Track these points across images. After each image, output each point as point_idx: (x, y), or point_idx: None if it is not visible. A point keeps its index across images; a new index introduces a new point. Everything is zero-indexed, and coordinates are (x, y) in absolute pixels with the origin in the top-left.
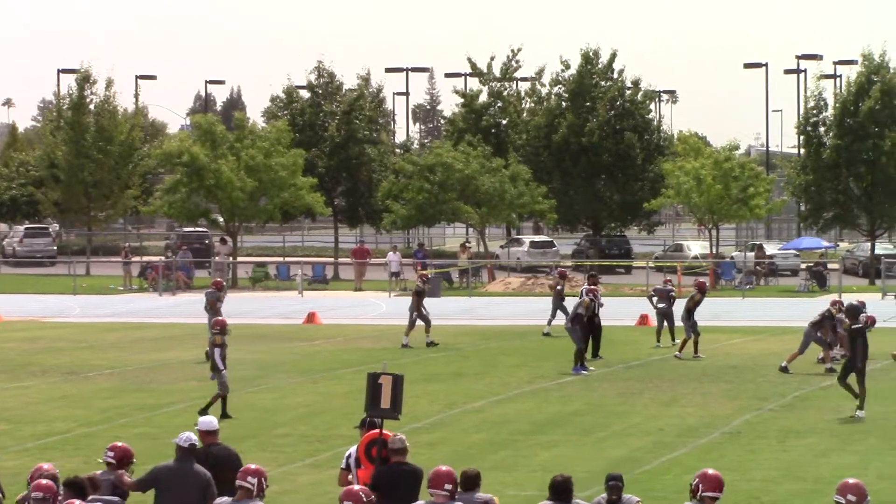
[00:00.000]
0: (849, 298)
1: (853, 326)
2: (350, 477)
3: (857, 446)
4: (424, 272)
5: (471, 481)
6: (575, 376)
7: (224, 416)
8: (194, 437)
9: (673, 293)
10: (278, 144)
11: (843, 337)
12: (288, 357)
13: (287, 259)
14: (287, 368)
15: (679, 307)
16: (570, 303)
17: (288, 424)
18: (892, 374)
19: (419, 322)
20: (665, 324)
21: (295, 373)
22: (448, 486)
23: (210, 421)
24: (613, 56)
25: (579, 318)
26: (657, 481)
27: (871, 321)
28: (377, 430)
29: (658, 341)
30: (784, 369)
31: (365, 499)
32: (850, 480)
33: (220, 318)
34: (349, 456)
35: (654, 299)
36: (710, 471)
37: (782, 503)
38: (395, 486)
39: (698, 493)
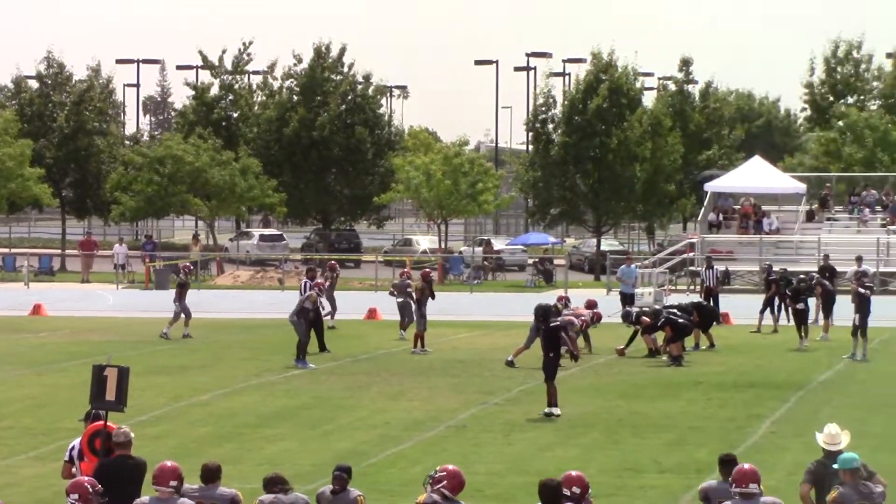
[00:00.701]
0: (576, 293)
1: (549, 325)
2: (73, 470)
3: (580, 440)
4: (188, 264)
5: (211, 474)
6: (302, 370)
7: None
8: None
9: (410, 287)
10: (5, 134)
11: (572, 338)
12: (13, 349)
13: (13, 250)
14: (12, 361)
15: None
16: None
17: (11, 417)
18: (616, 369)
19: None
20: (406, 317)
21: (20, 365)
22: (173, 483)
23: None
24: (343, 50)
25: (305, 311)
26: (382, 474)
27: (598, 317)
28: (101, 423)
29: (402, 333)
30: (510, 363)
31: (91, 490)
32: (573, 473)
33: None
34: (72, 448)
35: (395, 293)
36: (452, 467)
37: (506, 496)
38: (118, 479)
39: (437, 486)
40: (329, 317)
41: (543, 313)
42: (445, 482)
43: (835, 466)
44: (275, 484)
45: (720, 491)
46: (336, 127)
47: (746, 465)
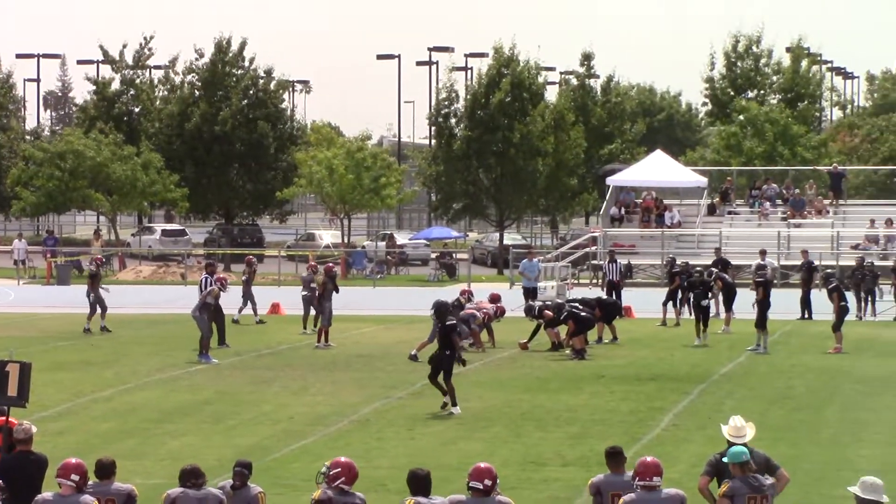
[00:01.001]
0: (480, 287)
1: (444, 323)
2: None
3: (483, 433)
4: (99, 256)
5: (105, 470)
6: (205, 365)
7: None
8: None
9: (313, 282)
10: None
11: (475, 331)
12: None
13: None
14: None
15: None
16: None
17: None
18: (519, 363)
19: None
20: (311, 311)
21: None
22: (75, 477)
23: None
24: (243, 44)
25: (207, 307)
26: (286, 469)
27: (502, 311)
28: (2, 418)
29: (304, 328)
30: (413, 358)
31: None
32: (482, 465)
33: None
34: None
35: (302, 287)
36: (344, 459)
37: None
38: (20, 475)
39: (335, 482)
40: (251, 312)
41: (440, 310)
42: (343, 478)
43: (724, 460)
44: (189, 477)
45: (610, 483)
46: (238, 122)
47: (649, 458)
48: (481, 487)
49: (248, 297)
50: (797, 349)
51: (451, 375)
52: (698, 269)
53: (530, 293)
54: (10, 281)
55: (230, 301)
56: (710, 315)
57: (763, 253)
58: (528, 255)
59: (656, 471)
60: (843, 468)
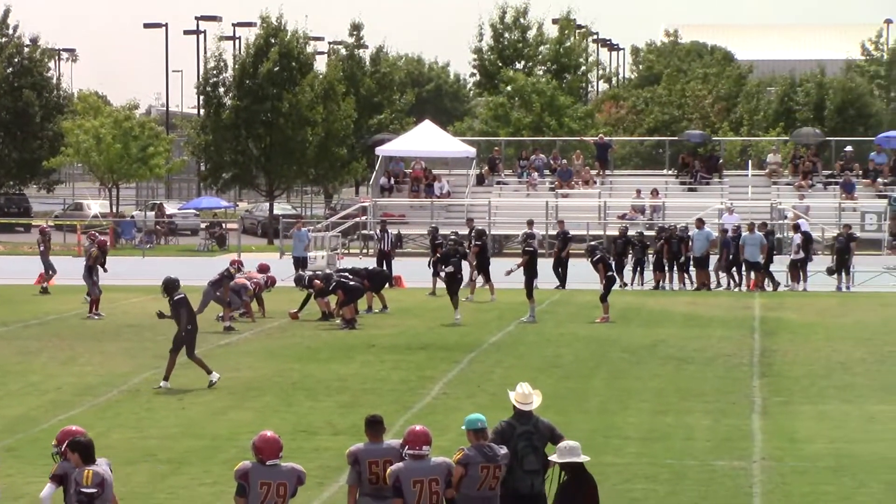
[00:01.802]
0: (250, 257)
1: (173, 299)
2: None
3: (254, 403)
4: None
5: None
6: None
7: None
8: None
9: (92, 251)
10: None
11: (247, 302)
12: None
13: None
14: None
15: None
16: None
17: None
18: (290, 333)
19: None
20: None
21: None
22: None
23: None
24: (7, 12)
25: None
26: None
27: (272, 281)
28: None
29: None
30: None
31: None
32: (269, 433)
33: None
34: None
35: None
36: (75, 427)
37: (180, 460)
38: None
39: (71, 455)
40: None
41: (168, 287)
42: (65, 444)
43: (463, 427)
44: None
45: (368, 452)
46: (3, 90)
47: (418, 427)
48: (278, 461)
49: (48, 265)
50: (565, 318)
51: (194, 350)
52: (452, 238)
53: (300, 263)
54: None
55: (20, 270)
56: (462, 285)
57: (531, 223)
58: (297, 224)
59: (425, 440)
60: (611, 436)
